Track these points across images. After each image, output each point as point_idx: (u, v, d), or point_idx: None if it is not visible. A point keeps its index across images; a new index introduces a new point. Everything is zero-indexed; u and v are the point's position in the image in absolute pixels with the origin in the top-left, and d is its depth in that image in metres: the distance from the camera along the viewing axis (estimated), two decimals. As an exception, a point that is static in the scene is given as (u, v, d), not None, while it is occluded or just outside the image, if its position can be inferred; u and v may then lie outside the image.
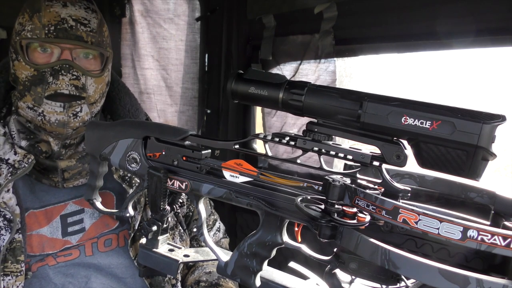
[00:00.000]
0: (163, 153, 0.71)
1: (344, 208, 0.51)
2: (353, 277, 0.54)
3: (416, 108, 0.47)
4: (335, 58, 1.31)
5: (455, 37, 0.99)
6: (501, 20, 0.91)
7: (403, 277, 0.51)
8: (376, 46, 1.21)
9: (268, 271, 0.67)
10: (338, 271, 0.55)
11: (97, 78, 0.98)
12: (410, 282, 0.52)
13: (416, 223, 0.41)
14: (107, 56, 1.00)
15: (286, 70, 1.49)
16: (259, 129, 1.68)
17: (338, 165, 1.28)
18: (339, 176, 0.56)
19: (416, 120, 0.47)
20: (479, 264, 0.48)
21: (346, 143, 0.59)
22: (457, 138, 0.45)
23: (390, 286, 0.52)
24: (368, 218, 0.50)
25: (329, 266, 0.56)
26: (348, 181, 0.55)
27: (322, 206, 0.53)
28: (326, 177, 0.53)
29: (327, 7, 1.25)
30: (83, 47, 0.95)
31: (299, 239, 0.62)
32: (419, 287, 0.48)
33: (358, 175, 0.57)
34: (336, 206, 0.51)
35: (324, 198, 0.53)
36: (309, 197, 0.56)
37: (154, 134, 0.72)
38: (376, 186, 0.55)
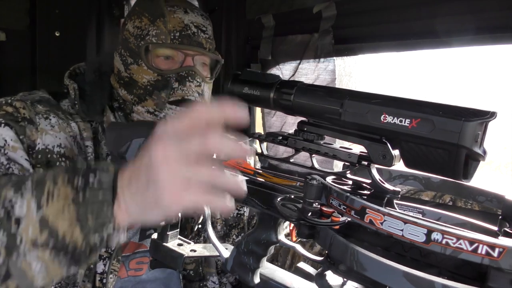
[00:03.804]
0: None
1: (323, 207, 0.51)
2: (345, 279, 0.53)
3: (396, 106, 0.45)
4: (334, 57, 1.30)
5: (455, 35, 0.99)
6: (501, 17, 0.91)
7: None
8: (376, 45, 1.21)
9: (269, 269, 0.67)
10: (330, 273, 0.54)
11: (209, 84, 1.02)
12: None
13: (382, 223, 0.40)
14: (220, 62, 1.04)
15: (285, 69, 1.49)
16: (259, 129, 1.68)
17: (339, 164, 1.28)
18: (330, 177, 0.56)
19: (395, 118, 0.45)
20: (469, 272, 0.45)
21: (340, 143, 0.59)
22: (436, 137, 0.43)
23: None
24: (343, 218, 0.50)
25: (321, 267, 0.55)
26: (333, 180, 0.55)
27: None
28: (307, 176, 0.52)
29: (326, 7, 1.25)
30: (203, 54, 0.98)
31: (294, 238, 0.62)
32: None
33: (349, 175, 0.56)
34: (314, 205, 0.51)
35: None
36: (292, 196, 0.56)
37: None
38: (368, 186, 0.54)
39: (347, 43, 1.26)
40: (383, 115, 0.46)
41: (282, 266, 0.67)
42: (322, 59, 1.32)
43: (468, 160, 0.44)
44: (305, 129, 0.56)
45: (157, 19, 0.94)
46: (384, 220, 0.40)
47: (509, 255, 0.34)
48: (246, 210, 1.14)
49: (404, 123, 0.44)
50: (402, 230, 0.39)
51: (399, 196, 0.51)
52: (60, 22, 1.69)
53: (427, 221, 0.39)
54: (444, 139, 0.42)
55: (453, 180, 0.54)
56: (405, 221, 0.38)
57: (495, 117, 0.42)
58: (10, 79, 1.65)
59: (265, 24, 1.48)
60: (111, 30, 1.80)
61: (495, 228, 0.52)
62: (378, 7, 1.15)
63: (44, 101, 0.96)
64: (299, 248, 0.61)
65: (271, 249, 0.65)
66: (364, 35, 1.22)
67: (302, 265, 0.69)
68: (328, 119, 0.52)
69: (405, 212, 0.54)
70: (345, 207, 0.44)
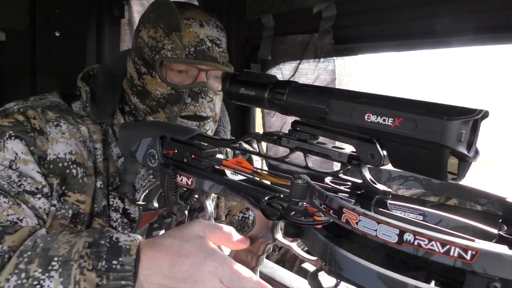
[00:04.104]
0: (176, 151, 0.76)
1: (309, 207, 0.51)
2: (338, 280, 0.53)
3: (380, 105, 0.45)
4: (334, 57, 1.30)
5: (455, 35, 0.99)
6: (501, 17, 0.91)
7: None
8: (375, 45, 1.21)
9: (270, 268, 0.67)
10: (323, 274, 0.54)
11: (220, 95, 1.01)
12: None
13: (357, 223, 0.39)
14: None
15: (285, 69, 1.49)
16: (259, 129, 1.68)
17: (338, 164, 1.28)
18: (329, 178, 0.55)
19: (379, 117, 0.44)
20: (458, 276, 0.43)
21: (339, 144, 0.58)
22: (419, 136, 0.41)
23: None
24: (326, 218, 0.50)
25: (315, 268, 0.55)
26: (329, 180, 0.55)
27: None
28: (294, 175, 0.52)
29: (326, 7, 1.25)
30: (216, 68, 0.98)
31: (290, 238, 0.63)
32: None
33: (341, 175, 0.56)
34: (300, 204, 0.51)
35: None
36: (282, 196, 0.57)
37: (168, 134, 0.78)
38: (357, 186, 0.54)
39: (347, 43, 1.26)
40: (367, 114, 0.45)
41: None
42: (322, 59, 1.32)
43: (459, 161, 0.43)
44: (298, 128, 0.56)
45: (173, 32, 0.94)
46: (359, 220, 0.39)
47: (483, 258, 0.33)
48: (251, 214, 1.14)
49: (388, 122, 0.44)
50: (375, 230, 0.38)
51: (390, 196, 0.50)
52: (60, 22, 1.69)
53: (401, 221, 0.38)
54: (426, 138, 0.41)
55: (454, 182, 0.54)
56: (378, 221, 0.38)
57: (482, 116, 0.41)
58: (10, 79, 1.65)
59: (265, 24, 1.48)
60: (111, 30, 1.81)
61: (496, 231, 0.50)
62: (378, 7, 1.15)
63: (54, 106, 0.96)
64: (294, 247, 0.62)
65: (269, 248, 0.65)
66: (364, 35, 1.22)
67: (306, 265, 0.69)
68: (317, 119, 0.52)
69: (403, 215, 0.54)
70: (325, 206, 0.44)
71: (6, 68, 1.64)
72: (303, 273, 0.66)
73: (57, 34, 1.68)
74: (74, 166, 0.90)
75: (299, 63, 1.42)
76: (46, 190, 0.86)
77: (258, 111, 1.67)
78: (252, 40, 1.60)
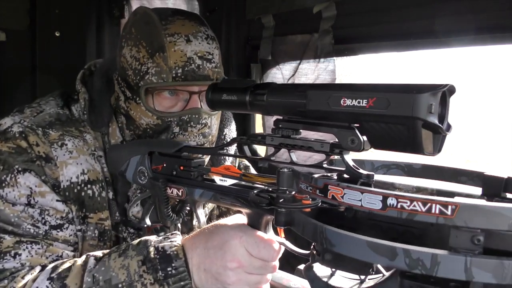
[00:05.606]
0: (164, 165, 0.77)
1: (296, 194, 0.54)
2: (333, 270, 0.54)
3: (354, 89, 0.48)
4: (334, 57, 1.30)
5: (454, 35, 0.98)
6: (501, 17, 0.91)
7: (379, 266, 0.50)
8: (375, 45, 1.21)
9: None
10: (318, 265, 0.55)
11: (217, 115, 0.92)
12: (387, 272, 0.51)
13: (342, 197, 0.42)
14: None
15: (285, 69, 1.49)
16: (259, 129, 1.68)
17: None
18: (317, 174, 0.56)
19: (354, 100, 0.48)
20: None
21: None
22: (392, 112, 0.45)
23: (368, 276, 0.51)
24: (314, 202, 0.52)
25: (309, 260, 0.56)
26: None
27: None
28: (279, 168, 0.55)
29: (326, 7, 1.24)
30: None
31: (282, 235, 0.64)
32: (392, 274, 0.46)
33: (325, 165, 0.57)
34: (288, 192, 0.54)
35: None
36: (270, 189, 0.60)
37: (156, 149, 0.79)
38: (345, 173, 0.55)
39: (347, 43, 1.26)
40: (343, 99, 0.48)
41: None
42: (322, 59, 1.32)
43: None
44: (280, 125, 0.58)
45: (156, 53, 0.83)
46: (344, 193, 0.41)
47: (463, 212, 0.34)
48: None
49: (362, 103, 0.47)
50: (360, 200, 0.40)
51: (373, 180, 0.51)
52: (60, 22, 1.69)
53: (382, 188, 0.40)
54: (399, 113, 0.44)
55: (435, 164, 0.58)
56: (362, 191, 0.40)
57: (448, 89, 0.44)
58: (10, 79, 1.66)
59: (265, 24, 1.48)
60: (111, 30, 1.81)
61: None
62: (378, 7, 1.15)
63: (54, 121, 0.89)
64: (287, 243, 0.63)
65: None
66: (364, 35, 1.22)
67: (302, 266, 0.69)
68: (298, 113, 0.54)
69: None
70: (311, 187, 0.46)
71: (6, 68, 1.64)
72: (299, 274, 0.67)
73: (57, 34, 1.69)
74: (89, 186, 0.86)
75: (299, 63, 1.41)
76: (70, 215, 0.84)
77: (258, 111, 1.67)
78: (252, 40, 1.60)
